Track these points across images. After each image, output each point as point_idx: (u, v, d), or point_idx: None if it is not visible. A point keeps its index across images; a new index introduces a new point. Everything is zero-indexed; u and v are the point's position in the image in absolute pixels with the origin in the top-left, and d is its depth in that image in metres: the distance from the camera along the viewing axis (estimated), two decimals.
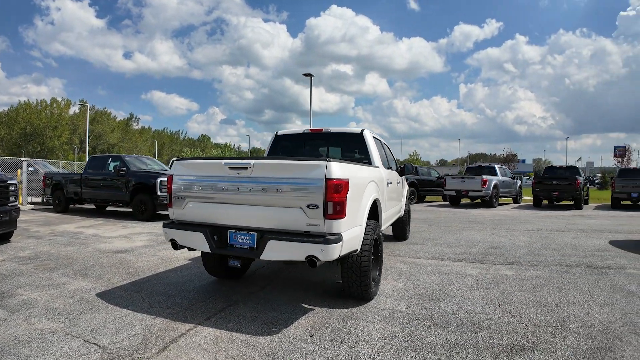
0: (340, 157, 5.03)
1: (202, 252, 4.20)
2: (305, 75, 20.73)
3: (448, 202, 17.13)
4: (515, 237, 7.66)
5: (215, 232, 3.40)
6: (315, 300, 3.87)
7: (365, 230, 3.62)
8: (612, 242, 6.93)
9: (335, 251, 3.01)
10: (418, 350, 2.83)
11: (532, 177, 23.72)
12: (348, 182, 3.16)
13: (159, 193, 9.28)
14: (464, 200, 17.23)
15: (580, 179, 14.12)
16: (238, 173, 3.30)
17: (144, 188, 9.51)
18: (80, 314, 3.38)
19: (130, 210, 10.13)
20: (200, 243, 3.41)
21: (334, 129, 5.10)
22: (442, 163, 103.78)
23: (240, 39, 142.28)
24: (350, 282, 3.66)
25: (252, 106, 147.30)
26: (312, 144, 5.26)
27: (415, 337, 3.05)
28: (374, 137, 5.17)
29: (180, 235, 3.51)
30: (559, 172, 15.29)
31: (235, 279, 4.52)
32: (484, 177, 14.99)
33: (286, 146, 5.30)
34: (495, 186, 15.26)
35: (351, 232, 3.26)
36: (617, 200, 14.51)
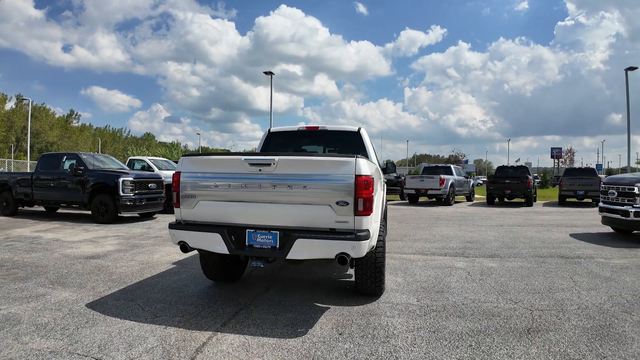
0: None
1: (202, 255, 3.95)
2: (266, 73, 20.34)
3: (407, 201, 17.81)
4: (483, 232, 8.16)
5: (232, 232, 3.20)
6: (326, 298, 3.80)
7: (380, 227, 3.63)
8: (572, 235, 7.66)
9: (365, 248, 2.99)
10: (448, 339, 2.90)
11: (475, 176, 25.43)
12: (374, 179, 3.15)
13: (121, 194, 8.56)
14: (421, 199, 18.05)
15: (531, 177, 15.43)
16: (260, 170, 3.12)
17: (104, 188, 8.70)
18: (77, 328, 2.99)
19: (88, 212, 9.22)
20: (216, 244, 3.18)
21: (331, 126, 5.07)
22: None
23: (186, 35, 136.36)
24: (365, 278, 3.65)
25: (198, 104, 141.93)
26: (308, 141, 5.17)
27: (439, 327, 3.13)
28: None
29: (193, 237, 3.24)
30: (510, 172, 16.56)
31: (232, 282, 4.30)
32: (442, 176, 15.78)
33: (280, 143, 5.15)
34: (452, 185, 16.17)
35: (373, 229, 3.25)
36: (563, 197, 15.85)
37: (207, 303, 3.63)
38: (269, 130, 5.22)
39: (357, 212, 2.99)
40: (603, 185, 7.28)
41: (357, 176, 2.98)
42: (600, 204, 7.20)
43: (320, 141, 5.13)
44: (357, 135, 4.95)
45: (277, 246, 3.13)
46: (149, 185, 9.42)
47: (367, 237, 3.00)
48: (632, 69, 19.26)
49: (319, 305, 3.64)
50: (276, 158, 3.10)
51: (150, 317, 3.24)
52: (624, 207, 6.47)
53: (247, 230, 3.18)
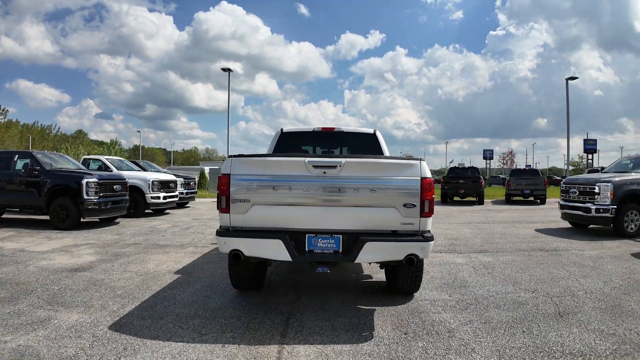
0: None
1: (232, 263, 3.59)
2: (224, 70, 19.39)
3: None
4: (458, 230, 8.62)
5: (292, 238, 2.94)
6: (363, 300, 3.74)
7: None
8: (538, 231, 8.39)
9: (431, 248, 2.98)
10: (502, 328, 3.04)
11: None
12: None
13: (85, 196, 7.53)
14: None
15: (481, 178, 16.61)
16: (324, 172, 2.93)
17: (64, 191, 7.54)
18: (119, 359, 2.51)
19: (44, 217, 7.96)
20: (276, 251, 2.90)
21: (346, 128, 4.95)
22: None
23: (121, 28, 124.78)
24: (407, 278, 3.63)
25: (131, 100, 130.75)
26: (323, 142, 4.99)
27: (487, 318, 3.25)
28: None
29: (249, 245, 2.92)
30: (462, 172, 17.69)
31: (259, 290, 3.99)
32: None
33: (293, 144, 4.91)
34: None
35: None
36: (510, 196, 17.14)
37: (248, 314, 3.32)
38: (282, 130, 4.94)
39: (422, 214, 2.96)
40: (563, 185, 8.12)
41: (423, 178, 2.96)
42: (561, 202, 8.00)
43: (336, 142, 4.97)
44: (373, 137, 4.89)
45: (340, 250, 2.97)
46: (114, 187, 8.43)
47: (432, 238, 3.01)
48: (573, 78, 20.92)
49: (362, 307, 3.55)
50: (343, 160, 2.92)
51: (196, 336, 2.86)
52: (586, 205, 7.28)
53: (307, 235, 2.95)
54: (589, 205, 7.16)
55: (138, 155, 56.70)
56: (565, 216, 8.12)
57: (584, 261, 5.38)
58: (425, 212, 2.95)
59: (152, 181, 10.04)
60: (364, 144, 4.89)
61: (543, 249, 6.32)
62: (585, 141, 37.31)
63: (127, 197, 8.96)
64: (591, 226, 8.20)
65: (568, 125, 20.05)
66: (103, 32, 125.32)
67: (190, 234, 7.70)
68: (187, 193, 12.76)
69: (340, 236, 2.97)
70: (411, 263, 2.93)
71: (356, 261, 2.90)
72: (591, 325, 3.10)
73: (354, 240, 2.96)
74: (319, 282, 4.39)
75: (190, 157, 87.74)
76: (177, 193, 11.34)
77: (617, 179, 7.13)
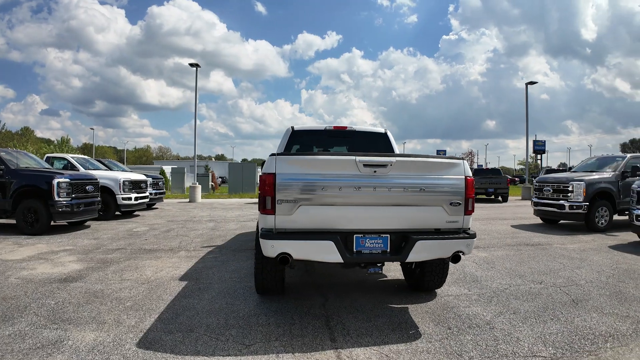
0: None
1: (260, 268, 3.37)
2: (192, 65, 18.34)
3: None
4: None
5: (341, 239, 2.79)
6: (389, 298, 3.71)
7: None
8: (514, 227, 8.80)
9: (474, 245, 3.03)
10: (532, 317, 3.19)
11: None
12: None
13: (57, 198, 6.75)
14: None
15: None
16: (375, 172, 2.81)
17: (33, 192, 6.68)
18: None
19: (10, 221, 7.01)
20: (327, 254, 2.74)
21: (358, 127, 4.88)
22: None
23: (70, 20, 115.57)
24: (434, 274, 3.66)
25: (80, 96, 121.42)
26: (335, 141, 4.86)
27: (514, 309, 3.39)
28: None
29: (298, 247, 2.71)
30: None
31: (281, 294, 3.78)
32: None
33: (305, 142, 4.74)
34: None
35: None
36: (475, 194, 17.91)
37: (283, 320, 3.12)
38: (293, 128, 4.73)
39: (466, 212, 2.97)
40: (537, 184, 8.63)
41: (467, 177, 2.97)
42: (535, 199, 8.51)
43: (348, 141, 4.86)
44: (384, 136, 4.86)
45: (388, 250, 2.88)
46: (87, 187, 7.66)
47: (475, 235, 3.02)
48: (532, 83, 21.95)
49: (394, 306, 3.52)
50: (393, 159, 2.83)
51: (242, 348, 2.62)
52: (559, 202, 7.80)
53: (354, 236, 2.82)
54: (562, 202, 7.70)
55: (90, 155, 52.46)
56: (538, 212, 8.66)
57: (570, 254, 5.76)
58: (469, 210, 2.97)
59: (123, 181, 9.23)
60: (376, 143, 4.83)
61: (528, 243, 6.68)
62: (535, 142, 39.60)
63: (99, 199, 8.18)
64: (562, 222, 8.82)
65: (527, 127, 21.45)
66: (51, 25, 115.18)
67: (173, 237, 7.18)
68: (155, 194, 11.95)
69: (388, 236, 2.88)
70: (457, 260, 2.93)
71: (407, 260, 2.82)
72: (605, 309, 3.35)
73: (401, 239, 2.90)
74: (337, 282, 4.29)
75: (142, 156, 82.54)
76: (147, 194, 10.57)
77: (588, 177, 7.73)
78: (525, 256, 5.62)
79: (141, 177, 10.33)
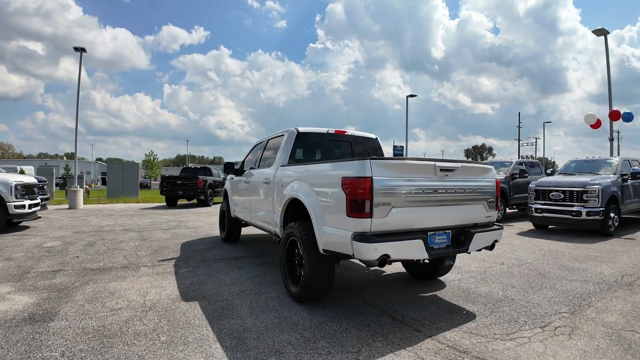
0: None
1: (315, 273, 3.24)
2: (76, 49, 14.73)
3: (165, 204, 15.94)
4: None
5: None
6: (413, 290, 4.02)
7: None
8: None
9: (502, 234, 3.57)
10: (529, 289, 3.87)
11: None
12: None
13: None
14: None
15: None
16: (446, 175, 3.10)
17: None
18: None
19: None
20: (417, 251, 2.87)
21: (355, 132, 5.07)
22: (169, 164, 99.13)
23: None
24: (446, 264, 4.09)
25: None
26: (335, 144, 4.89)
27: (509, 285, 4.08)
28: None
29: (397, 248, 2.74)
30: None
31: (324, 297, 3.65)
32: (200, 177, 15.13)
33: (309, 143, 4.66)
34: (210, 186, 15.72)
35: None
36: None
37: (355, 322, 3.10)
38: (298, 130, 4.57)
39: (496, 208, 3.51)
40: (535, 188, 8.17)
41: (496, 180, 3.52)
42: (538, 205, 8.01)
43: (346, 145, 4.95)
44: (376, 141, 5.18)
45: (450, 244, 3.20)
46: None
47: (503, 227, 3.57)
48: (412, 96, 25.10)
49: (425, 295, 3.85)
50: (459, 164, 3.16)
51: (354, 356, 2.51)
52: (576, 208, 7.26)
53: (428, 233, 3.03)
54: (579, 208, 7.29)
55: None
56: (539, 219, 8.08)
57: (588, 253, 5.90)
58: (496, 207, 3.55)
59: (16, 185, 6.94)
60: (369, 147, 5.11)
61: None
62: (395, 147, 46.37)
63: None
64: (550, 226, 8.65)
65: (407, 134, 24.94)
66: None
67: (107, 252, 5.84)
68: (42, 199, 9.43)
69: (450, 231, 3.20)
70: (493, 248, 3.45)
71: (468, 251, 3.18)
72: (567, 278, 4.40)
73: (458, 234, 3.26)
74: (349, 283, 4.35)
75: None
76: (39, 200, 8.25)
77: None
78: (539, 257, 5.73)
79: (32, 180, 7.92)
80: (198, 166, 19.11)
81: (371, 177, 2.72)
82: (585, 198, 7.33)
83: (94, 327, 2.92)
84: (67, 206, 14.37)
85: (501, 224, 3.62)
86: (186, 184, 15.11)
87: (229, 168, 6.09)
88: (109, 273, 4.57)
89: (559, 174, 9.26)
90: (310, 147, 4.66)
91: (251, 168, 5.65)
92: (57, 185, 29.47)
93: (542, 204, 8.03)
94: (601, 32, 14.07)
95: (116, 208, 14.34)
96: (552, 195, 7.85)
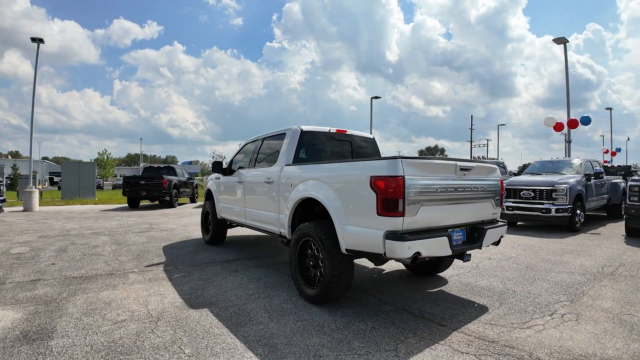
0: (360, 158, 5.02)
1: (337, 273, 3.19)
2: (34, 40, 13.25)
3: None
4: None
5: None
6: (420, 286, 4.10)
7: None
8: None
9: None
10: (525, 282, 4.11)
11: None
12: None
13: None
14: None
15: None
16: (464, 174, 3.18)
17: None
18: None
19: None
20: (442, 248, 2.92)
21: (354, 132, 5.06)
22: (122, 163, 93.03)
23: None
24: (447, 260, 4.22)
25: None
26: (336, 143, 4.84)
27: (506, 278, 4.30)
28: None
29: (427, 245, 2.77)
30: None
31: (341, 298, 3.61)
32: (165, 177, 14.34)
33: (312, 142, 4.58)
34: (176, 186, 14.97)
35: None
36: None
37: (380, 322, 3.08)
38: (301, 128, 4.46)
39: (500, 205, 3.68)
40: (506, 187, 8.35)
41: (500, 179, 3.68)
42: (509, 203, 8.36)
43: (347, 144, 4.92)
44: (373, 140, 5.21)
45: (465, 240, 3.29)
46: None
47: (506, 223, 3.74)
48: (377, 97, 25.20)
49: (432, 291, 3.94)
50: (474, 164, 3.27)
51: (393, 355, 2.50)
52: (546, 206, 7.71)
53: (448, 230, 3.10)
54: (549, 206, 7.71)
55: None
56: (514, 217, 8.34)
57: (564, 247, 6.24)
58: (501, 204, 3.70)
59: None
60: (368, 146, 5.13)
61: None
62: None
63: None
64: (519, 223, 9.13)
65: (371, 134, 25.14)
66: None
67: (84, 257, 5.33)
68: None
69: (465, 228, 3.29)
70: (499, 243, 3.60)
71: (482, 246, 3.29)
72: (554, 270, 4.69)
73: (471, 230, 3.36)
74: (361, 281, 4.35)
75: None
76: (3, 198, 7.38)
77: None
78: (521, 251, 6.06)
79: None
80: (161, 165, 18.07)
81: (403, 176, 2.72)
82: (554, 196, 7.90)
83: (103, 343, 2.64)
84: (21, 208, 12.97)
85: (505, 221, 3.79)
86: (150, 184, 14.11)
87: (217, 168, 5.84)
88: (95, 281, 4.17)
89: (526, 173, 9.87)
90: (313, 146, 4.57)
91: (241, 167, 5.45)
92: (5, 186, 26.56)
93: (512, 202, 8.54)
94: (561, 41, 15.30)
95: (75, 210, 13.21)
96: (523, 193, 8.37)
